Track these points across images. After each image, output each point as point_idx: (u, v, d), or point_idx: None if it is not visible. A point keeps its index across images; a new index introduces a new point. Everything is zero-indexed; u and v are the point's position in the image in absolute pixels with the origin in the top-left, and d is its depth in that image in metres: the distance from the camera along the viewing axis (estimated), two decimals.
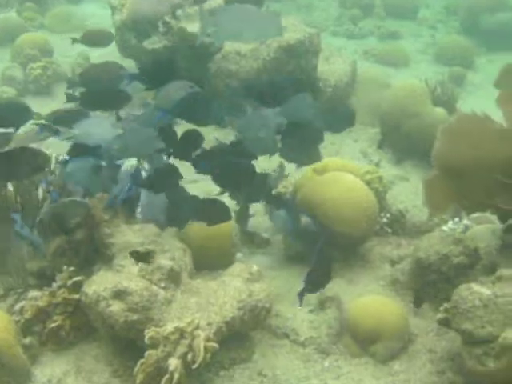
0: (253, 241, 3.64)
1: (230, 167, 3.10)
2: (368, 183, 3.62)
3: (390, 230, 3.68)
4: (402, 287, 3.19)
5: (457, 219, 3.37)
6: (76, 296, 2.85)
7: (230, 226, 3.41)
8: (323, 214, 3.36)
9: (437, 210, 2.98)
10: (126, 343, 2.76)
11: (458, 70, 5.61)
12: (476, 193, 2.75)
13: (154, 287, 2.75)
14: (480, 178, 2.70)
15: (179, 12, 4.96)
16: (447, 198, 2.84)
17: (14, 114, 3.01)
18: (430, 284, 3.03)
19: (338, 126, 3.40)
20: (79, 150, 3.06)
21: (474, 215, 3.31)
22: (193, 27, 4.83)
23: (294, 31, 4.90)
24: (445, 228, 3.41)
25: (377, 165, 4.25)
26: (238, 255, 3.51)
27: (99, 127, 3.08)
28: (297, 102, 3.16)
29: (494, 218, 3.15)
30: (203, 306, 2.77)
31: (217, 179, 3.12)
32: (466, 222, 3.33)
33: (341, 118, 3.37)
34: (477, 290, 2.55)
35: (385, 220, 3.67)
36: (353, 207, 3.34)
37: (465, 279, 2.89)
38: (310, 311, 3.12)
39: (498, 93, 2.68)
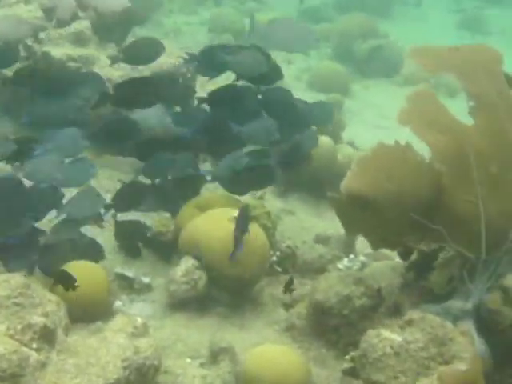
0: (132, 286, 3.30)
1: None
2: (256, 219, 3.39)
3: (280, 269, 3.46)
4: (300, 333, 2.95)
5: (352, 256, 3.19)
6: None
7: (105, 272, 3.09)
8: (210, 256, 3.09)
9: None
10: None
11: (335, 96, 5.53)
12: (387, 229, 2.57)
13: (25, 349, 2.36)
14: (393, 214, 2.51)
15: (42, 35, 4.58)
16: (354, 228, 2.69)
17: None
18: (331, 329, 2.80)
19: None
20: None
21: (369, 251, 3.15)
22: (57, 52, 4.45)
23: (169, 56, 4.62)
24: (340, 266, 3.21)
25: (261, 198, 4.02)
26: (117, 304, 3.17)
27: None
28: None
29: (391, 253, 3.00)
30: (83, 368, 2.41)
31: None
32: (362, 258, 3.14)
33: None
34: (387, 337, 2.35)
35: (274, 258, 3.44)
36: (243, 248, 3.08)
37: (369, 323, 2.71)
38: (201, 365, 2.81)
39: (413, 120, 2.51)
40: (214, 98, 3.64)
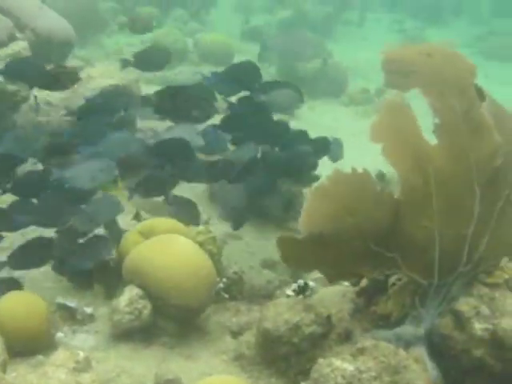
0: (75, 317, 3.18)
1: None
2: (201, 245, 3.30)
3: (227, 296, 3.37)
4: (249, 362, 2.86)
5: (301, 281, 3.12)
6: None
7: (45, 303, 2.98)
8: (155, 285, 2.99)
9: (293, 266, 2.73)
10: None
11: (282, 117, 5.47)
12: (344, 261, 2.49)
13: None
14: (352, 246, 2.44)
15: None
16: (309, 263, 2.56)
17: None
18: (281, 358, 2.72)
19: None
20: None
21: (317, 275, 3.08)
22: None
23: (111, 78, 4.52)
24: (288, 292, 3.14)
25: (207, 223, 3.94)
26: (59, 335, 3.05)
27: None
28: None
29: None
30: None
31: None
32: (311, 283, 3.07)
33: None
34: (339, 366, 2.29)
35: (221, 285, 3.35)
36: (189, 275, 2.99)
37: (320, 351, 2.63)
38: None
39: (383, 141, 2.42)
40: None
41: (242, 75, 3.74)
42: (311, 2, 11.77)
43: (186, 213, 3.53)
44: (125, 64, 3.98)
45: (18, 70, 3.52)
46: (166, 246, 3.08)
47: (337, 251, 2.45)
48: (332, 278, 2.57)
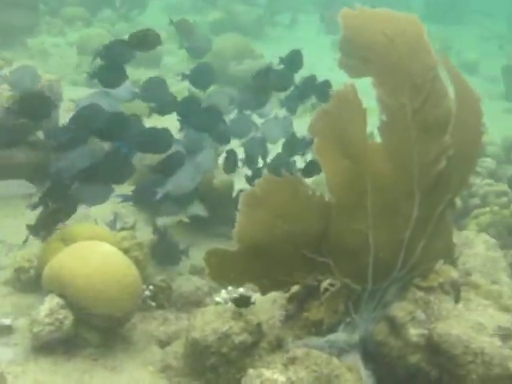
0: None
1: None
2: (126, 251, 3.15)
3: (154, 304, 3.23)
4: (176, 373, 2.73)
5: (230, 288, 2.99)
6: None
7: None
8: (76, 294, 2.83)
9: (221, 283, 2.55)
10: None
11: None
12: (277, 270, 2.36)
13: None
14: (285, 254, 2.31)
15: None
16: (241, 276, 2.41)
17: None
18: (210, 368, 2.59)
19: None
20: None
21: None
22: None
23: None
24: (218, 298, 3.02)
25: (133, 227, 3.78)
26: None
27: None
28: None
29: None
30: None
31: None
32: (241, 290, 2.95)
33: None
34: (269, 377, 2.17)
35: (148, 293, 3.21)
36: (112, 284, 2.83)
37: (250, 360, 2.52)
38: None
39: (315, 141, 2.25)
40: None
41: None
42: (242, 4, 11.70)
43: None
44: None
45: None
46: (87, 254, 2.92)
47: (270, 260, 2.31)
48: (265, 289, 2.43)
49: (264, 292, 2.41)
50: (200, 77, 4.11)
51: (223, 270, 2.38)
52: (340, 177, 2.25)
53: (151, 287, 3.23)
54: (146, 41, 3.65)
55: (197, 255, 3.67)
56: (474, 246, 3.21)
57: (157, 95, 3.88)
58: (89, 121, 3.35)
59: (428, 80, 2.26)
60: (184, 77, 4.12)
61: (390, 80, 2.25)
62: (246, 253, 2.29)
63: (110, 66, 3.57)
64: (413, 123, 2.25)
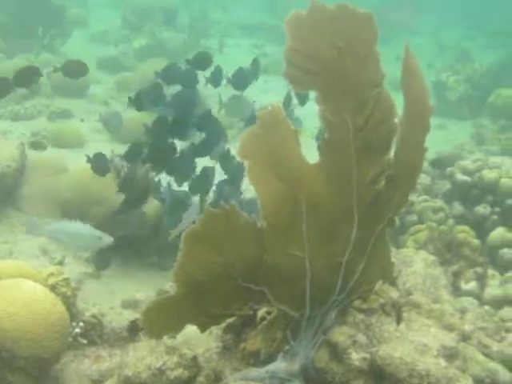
0: None
1: None
2: (53, 288, 2.98)
3: (85, 341, 3.06)
4: None
5: None
6: None
7: None
8: (1, 336, 2.64)
9: (161, 334, 2.36)
10: None
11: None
12: (215, 305, 2.22)
13: None
14: (221, 286, 2.18)
15: None
16: (181, 320, 2.26)
17: None
18: None
19: None
20: None
21: None
22: None
23: None
24: None
25: (60, 263, 3.61)
26: None
27: None
28: None
29: None
30: None
31: None
32: None
33: None
34: None
35: (78, 330, 3.04)
36: (38, 323, 2.66)
37: None
38: None
39: (249, 158, 2.10)
40: None
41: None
42: (167, 30, 11.62)
43: None
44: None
45: None
46: (10, 293, 2.74)
47: (208, 297, 2.18)
48: (204, 326, 2.28)
49: (203, 329, 2.27)
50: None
51: (162, 321, 2.22)
52: (273, 199, 2.12)
53: (81, 324, 3.07)
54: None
55: (130, 287, 3.53)
56: (414, 263, 3.14)
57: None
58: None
59: (372, 97, 2.14)
60: None
61: (334, 95, 2.12)
62: (185, 294, 2.14)
63: None
64: (354, 142, 2.14)
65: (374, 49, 2.12)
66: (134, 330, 3.07)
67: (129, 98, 4.07)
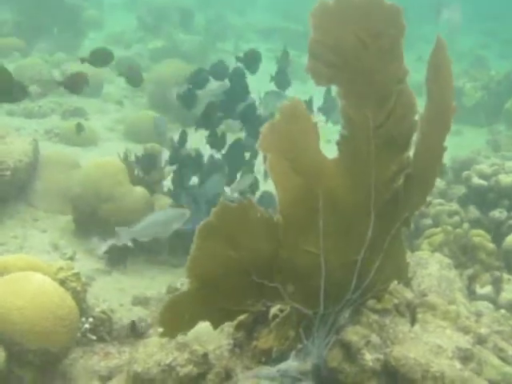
0: None
1: None
2: (62, 283, 2.96)
3: (94, 337, 3.03)
4: None
5: None
6: None
7: None
8: (8, 329, 2.62)
9: (176, 332, 2.31)
10: None
11: (154, 146, 5.20)
12: (228, 300, 2.17)
13: None
14: (235, 281, 2.13)
15: None
16: (194, 316, 2.21)
17: None
18: None
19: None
20: None
21: None
22: None
23: None
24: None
25: (71, 259, 3.58)
26: None
27: None
28: None
29: None
30: None
31: None
32: None
33: None
34: None
35: (87, 326, 3.02)
36: (46, 317, 2.64)
37: None
38: None
39: (270, 152, 2.05)
40: None
41: None
42: (183, 32, 11.61)
43: None
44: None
45: None
46: (19, 285, 2.72)
47: (221, 292, 2.13)
48: (217, 323, 2.23)
49: (216, 326, 2.22)
50: None
51: (176, 319, 2.17)
52: (291, 194, 2.07)
53: (91, 319, 3.05)
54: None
55: (140, 284, 3.49)
56: (429, 266, 3.09)
57: None
58: None
59: (395, 92, 2.07)
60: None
61: (356, 90, 2.05)
62: (198, 288, 2.10)
63: None
64: (374, 138, 2.08)
65: (400, 44, 2.04)
66: (134, 329, 3.04)
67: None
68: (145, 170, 4.37)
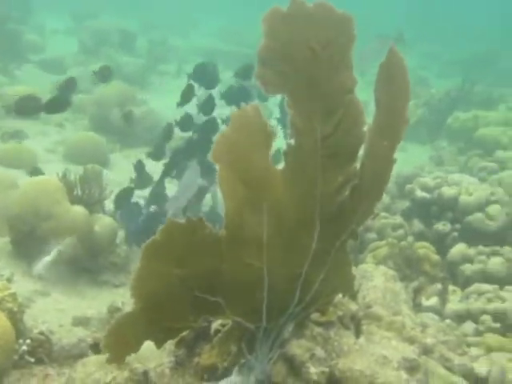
0: None
1: None
2: None
3: (32, 360, 2.92)
4: None
5: None
6: None
7: None
8: None
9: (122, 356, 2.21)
10: None
11: (94, 167, 5.10)
12: (171, 318, 2.10)
13: None
14: (177, 298, 2.06)
15: None
16: (139, 337, 2.12)
17: None
18: None
19: None
20: None
21: None
22: None
23: None
24: None
25: (9, 280, 3.46)
26: None
27: None
28: None
29: None
30: None
31: None
32: None
33: None
34: None
35: (25, 347, 2.90)
36: None
37: None
38: None
39: (220, 162, 1.98)
40: None
41: None
42: (126, 55, 11.58)
43: None
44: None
45: None
46: None
47: (165, 310, 2.06)
48: (160, 342, 2.16)
49: (159, 345, 2.14)
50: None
51: (122, 342, 2.09)
52: (236, 206, 2.00)
53: (28, 341, 2.93)
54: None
55: (81, 305, 3.39)
56: (374, 278, 3.07)
57: None
58: None
59: (343, 103, 2.04)
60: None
61: (304, 100, 2.01)
62: (142, 308, 2.02)
63: None
64: (321, 149, 2.04)
65: (350, 53, 2.00)
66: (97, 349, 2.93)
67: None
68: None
